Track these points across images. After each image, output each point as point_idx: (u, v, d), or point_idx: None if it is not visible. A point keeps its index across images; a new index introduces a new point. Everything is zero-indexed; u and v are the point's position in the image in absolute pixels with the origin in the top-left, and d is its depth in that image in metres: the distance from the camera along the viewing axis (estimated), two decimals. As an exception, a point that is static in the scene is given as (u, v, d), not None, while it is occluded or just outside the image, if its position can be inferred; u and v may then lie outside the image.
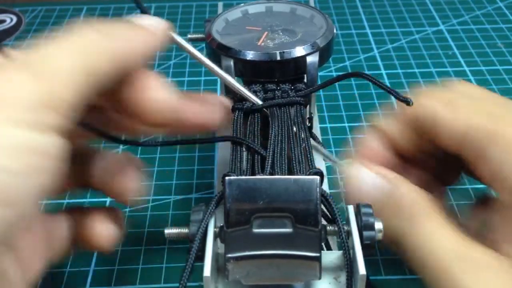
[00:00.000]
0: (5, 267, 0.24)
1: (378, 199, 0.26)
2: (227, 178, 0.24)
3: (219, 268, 0.25)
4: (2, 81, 0.20)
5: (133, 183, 0.29)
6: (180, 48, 0.29)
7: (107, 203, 0.39)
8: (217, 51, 0.32)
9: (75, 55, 0.22)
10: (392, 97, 0.29)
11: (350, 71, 0.53)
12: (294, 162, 0.27)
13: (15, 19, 0.65)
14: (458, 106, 0.27)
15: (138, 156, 0.44)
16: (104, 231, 0.28)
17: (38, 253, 0.27)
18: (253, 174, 0.27)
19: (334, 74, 0.53)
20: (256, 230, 0.24)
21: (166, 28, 0.27)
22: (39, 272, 0.27)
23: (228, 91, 0.32)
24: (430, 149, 0.29)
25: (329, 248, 0.28)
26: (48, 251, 0.28)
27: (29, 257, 0.26)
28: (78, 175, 0.29)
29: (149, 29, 0.26)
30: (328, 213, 0.26)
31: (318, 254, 0.23)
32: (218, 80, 0.52)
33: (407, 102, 0.28)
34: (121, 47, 0.24)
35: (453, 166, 0.30)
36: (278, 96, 0.31)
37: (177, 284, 0.24)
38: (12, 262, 0.25)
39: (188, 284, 0.24)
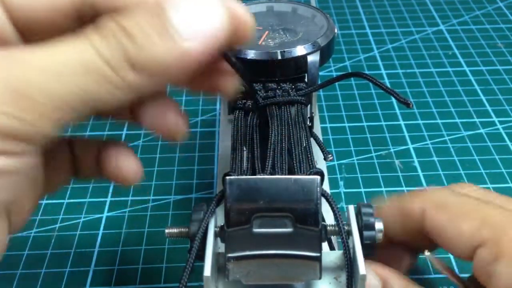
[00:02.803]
0: None
1: None
2: (227, 177, 0.24)
3: (220, 267, 0.25)
4: None
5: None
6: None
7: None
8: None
9: (76, 79, 0.19)
10: (392, 97, 0.29)
11: (350, 71, 0.53)
12: (294, 161, 0.27)
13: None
14: (451, 210, 0.25)
15: (138, 156, 0.44)
16: (128, 163, 0.25)
17: (29, 193, 0.24)
18: (253, 173, 0.27)
19: (334, 74, 0.53)
20: (256, 230, 0.24)
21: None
22: (28, 213, 0.24)
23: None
24: (416, 236, 0.28)
25: (332, 247, 0.28)
26: (41, 188, 0.25)
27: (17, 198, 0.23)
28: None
29: (182, 47, 0.20)
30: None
31: (318, 254, 0.23)
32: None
33: (407, 103, 0.28)
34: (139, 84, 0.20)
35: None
36: (279, 95, 0.31)
37: (177, 284, 0.24)
38: None
39: (188, 284, 0.24)
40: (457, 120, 0.47)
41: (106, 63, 0.19)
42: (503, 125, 0.46)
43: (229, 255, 0.23)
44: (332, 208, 0.25)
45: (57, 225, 0.38)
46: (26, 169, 0.20)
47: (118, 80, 0.20)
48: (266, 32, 0.34)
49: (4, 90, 0.18)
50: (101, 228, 0.38)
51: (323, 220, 0.25)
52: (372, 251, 0.24)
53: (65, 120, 0.20)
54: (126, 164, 0.25)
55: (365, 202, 0.26)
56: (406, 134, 0.45)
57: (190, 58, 0.20)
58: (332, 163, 0.42)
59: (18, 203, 0.23)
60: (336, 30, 0.34)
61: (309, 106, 0.33)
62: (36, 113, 0.19)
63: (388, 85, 0.51)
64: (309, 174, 0.26)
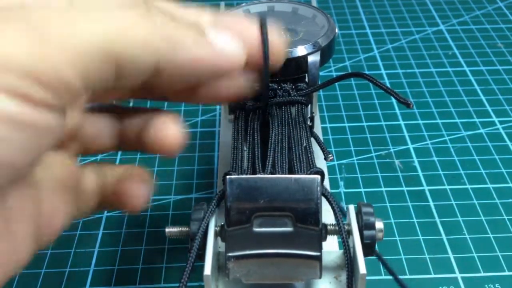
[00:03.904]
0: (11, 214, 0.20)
1: None
2: (228, 176, 0.24)
3: (220, 267, 0.25)
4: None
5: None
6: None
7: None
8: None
9: (104, 28, 0.18)
10: (392, 97, 0.29)
11: (350, 71, 0.53)
12: (294, 161, 0.27)
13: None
14: None
15: (139, 155, 0.44)
16: (137, 190, 0.25)
17: (62, 206, 0.23)
18: (254, 173, 0.27)
19: (334, 74, 0.53)
20: (256, 229, 0.24)
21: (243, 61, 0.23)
22: (59, 230, 0.23)
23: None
24: None
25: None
26: (73, 204, 0.24)
27: (49, 210, 0.22)
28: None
29: (220, 52, 0.22)
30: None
31: (318, 253, 0.23)
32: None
33: (407, 104, 0.28)
34: (169, 47, 0.20)
35: None
36: (279, 96, 0.31)
37: (177, 284, 0.24)
38: (24, 205, 0.21)
39: (189, 284, 0.24)
40: (457, 120, 0.47)
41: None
42: (503, 125, 0.46)
43: (230, 254, 0.23)
44: (333, 208, 0.25)
45: (57, 225, 0.38)
46: (47, 132, 0.18)
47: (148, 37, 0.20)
48: (267, 32, 0.34)
49: (31, 31, 0.17)
50: (101, 228, 0.38)
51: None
52: (372, 250, 0.24)
53: (87, 76, 0.18)
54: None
55: (365, 202, 0.26)
56: (406, 134, 0.45)
57: (222, 62, 0.22)
58: (332, 163, 0.42)
59: (46, 193, 0.22)
60: (336, 30, 0.34)
61: (309, 106, 0.33)
62: (60, 55, 0.17)
63: (388, 85, 0.51)
64: (310, 174, 0.26)
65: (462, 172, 0.41)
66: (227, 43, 0.22)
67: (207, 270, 0.23)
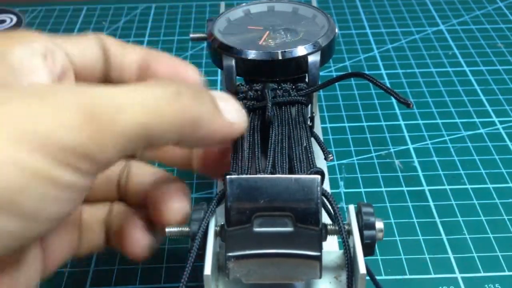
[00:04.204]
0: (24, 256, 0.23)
1: None
2: (228, 176, 0.24)
3: (220, 266, 0.25)
4: (59, 111, 0.19)
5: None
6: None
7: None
8: (219, 51, 0.32)
9: (142, 114, 0.21)
10: (392, 97, 0.29)
11: (350, 71, 0.54)
12: (295, 161, 0.27)
13: (15, 19, 0.65)
14: None
15: (138, 155, 0.44)
16: (140, 240, 0.28)
17: (65, 242, 0.27)
18: (254, 173, 0.27)
19: (334, 74, 0.53)
20: (256, 229, 0.24)
21: (243, 127, 0.26)
22: (60, 263, 0.27)
23: (229, 89, 0.32)
24: None
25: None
26: (76, 242, 0.27)
27: (53, 246, 0.26)
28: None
29: (230, 123, 0.25)
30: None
31: (318, 253, 0.23)
32: (219, 80, 0.52)
33: (407, 104, 0.28)
34: (191, 125, 0.23)
35: None
36: (279, 96, 0.31)
37: (177, 284, 0.24)
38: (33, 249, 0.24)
39: (189, 284, 0.24)
40: (457, 120, 0.47)
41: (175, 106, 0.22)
42: (503, 125, 0.46)
43: (229, 254, 0.23)
44: (333, 208, 0.25)
45: (57, 225, 0.38)
46: (84, 191, 0.21)
47: (173, 122, 0.22)
48: (267, 32, 0.34)
49: (83, 112, 0.20)
50: (101, 227, 0.38)
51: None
52: (372, 250, 0.24)
53: (124, 152, 0.21)
54: (134, 238, 0.28)
55: (365, 202, 0.26)
56: (406, 134, 0.45)
57: (232, 132, 0.25)
58: (332, 163, 0.42)
59: (57, 237, 0.25)
60: (336, 30, 0.34)
61: (309, 106, 0.33)
62: (106, 138, 0.20)
63: (388, 85, 0.51)
64: (310, 174, 0.26)
65: (462, 172, 0.41)
66: (234, 113, 0.25)
67: (207, 270, 0.23)
